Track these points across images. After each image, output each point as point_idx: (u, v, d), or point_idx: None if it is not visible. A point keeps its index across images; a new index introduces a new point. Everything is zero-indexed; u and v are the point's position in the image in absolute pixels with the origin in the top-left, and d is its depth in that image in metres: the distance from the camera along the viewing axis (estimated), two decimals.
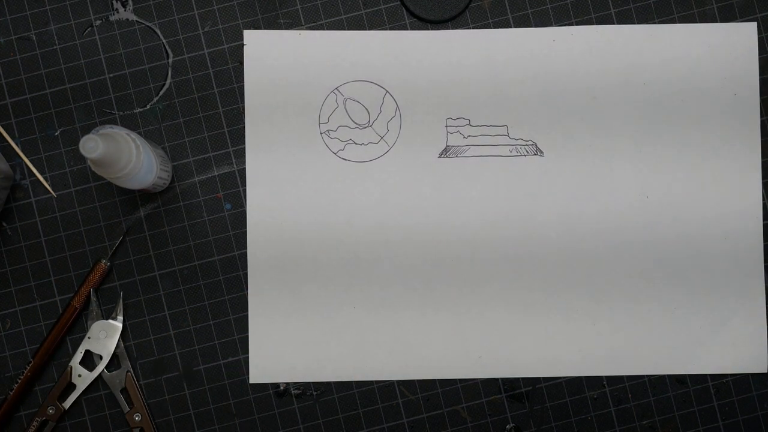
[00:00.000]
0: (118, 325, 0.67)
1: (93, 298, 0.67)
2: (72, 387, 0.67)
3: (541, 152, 0.68)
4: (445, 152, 0.68)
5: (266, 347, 0.68)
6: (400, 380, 0.68)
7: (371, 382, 0.68)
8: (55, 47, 0.68)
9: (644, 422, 0.68)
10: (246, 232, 0.68)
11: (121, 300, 0.67)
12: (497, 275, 0.68)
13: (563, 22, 0.69)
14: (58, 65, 0.68)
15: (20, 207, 0.68)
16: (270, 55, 0.68)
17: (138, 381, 0.68)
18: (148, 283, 0.68)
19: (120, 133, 0.58)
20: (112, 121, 0.68)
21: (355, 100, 0.68)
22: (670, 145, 0.68)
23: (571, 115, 0.68)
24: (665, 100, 0.68)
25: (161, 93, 0.68)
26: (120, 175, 0.58)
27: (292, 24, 0.68)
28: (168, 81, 0.68)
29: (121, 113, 0.68)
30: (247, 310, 0.68)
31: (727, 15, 0.69)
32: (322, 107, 0.68)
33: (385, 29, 0.68)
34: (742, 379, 0.68)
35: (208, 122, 0.68)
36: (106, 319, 0.67)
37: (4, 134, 0.68)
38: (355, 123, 0.68)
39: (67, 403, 0.67)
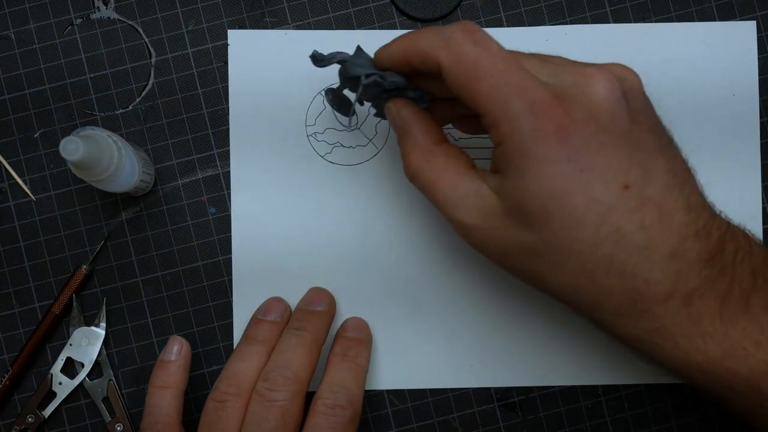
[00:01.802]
0: (100, 332, 0.67)
1: (75, 304, 0.66)
2: (52, 395, 0.67)
3: None
4: None
5: None
6: (389, 389, 0.68)
7: None
8: (34, 46, 0.68)
9: None
10: (231, 236, 0.67)
11: (104, 306, 0.67)
12: (490, 281, 0.67)
13: (557, 20, 0.68)
14: (37, 65, 0.68)
15: None
16: (255, 55, 0.68)
17: (120, 390, 0.67)
18: (130, 289, 0.67)
19: (101, 134, 0.58)
20: (93, 123, 0.68)
21: None
22: None
23: None
24: (662, 101, 0.67)
25: (143, 93, 0.68)
26: (101, 177, 0.58)
27: (278, 23, 0.68)
28: (150, 81, 0.68)
29: (103, 114, 0.68)
30: (232, 317, 0.67)
31: (725, 13, 0.68)
32: (308, 109, 0.67)
33: (374, 28, 0.68)
34: None
35: (191, 124, 0.68)
36: (89, 325, 0.67)
37: None
38: (343, 125, 0.67)
39: (47, 412, 0.66)
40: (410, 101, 0.57)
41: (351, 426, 0.60)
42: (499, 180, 0.53)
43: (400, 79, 0.57)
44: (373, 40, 0.68)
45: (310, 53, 0.58)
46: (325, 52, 0.58)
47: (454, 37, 0.52)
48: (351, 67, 0.57)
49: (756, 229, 0.68)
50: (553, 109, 0.50)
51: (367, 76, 0.56)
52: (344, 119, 0.67)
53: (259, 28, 0.68)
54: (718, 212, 0.55)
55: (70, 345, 0.67)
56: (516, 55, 0.53)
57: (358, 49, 0.58)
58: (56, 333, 0.67)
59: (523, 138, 0.50)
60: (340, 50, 0.59)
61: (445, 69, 0.52)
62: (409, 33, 0.56)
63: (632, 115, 0.52)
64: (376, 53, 0.57)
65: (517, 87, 0.50)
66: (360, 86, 0.57)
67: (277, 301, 0.65)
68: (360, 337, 0.65)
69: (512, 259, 0.55)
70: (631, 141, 0.51)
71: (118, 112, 0.68)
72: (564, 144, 0.50)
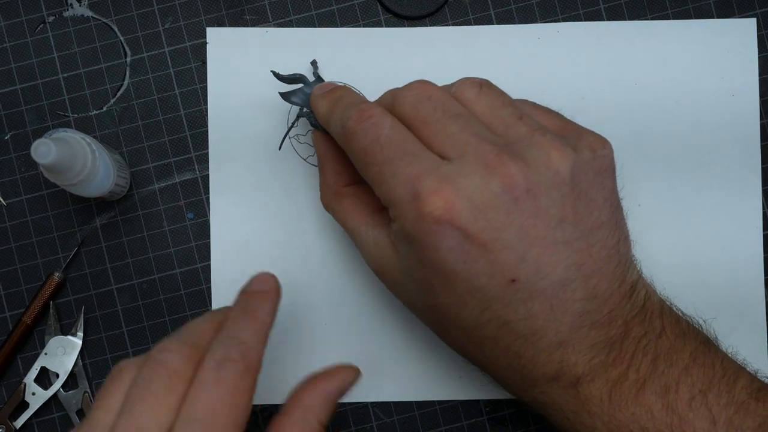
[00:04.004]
0: (77, 341, 0.66)
1: (52, 312, 0.66)
2: (25, 405, 0.66)
3: None
4: None
5: None
6: (375, 402, 0.67)
7: (343, 404, 0.66)
8: (5, 45, 0.67)
9: None
10: (209, 243, 0.67)
11: (82, 315, 0.66)
12: None
13: (549, 18, 0.68)
14: (8, 64, 0.67)
15: None
16: (235, 53, 0.67)
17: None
18: (105, 298, 0.67)
19: (74, 137, 0.57)
20: (66, 125, 0.67)
21: None
22: (663, 149, 0.67)
23: None
24: (658, 102, 0.67)
25: (118, 94, 0.67)
26: (74, 181, 0.57)
27: (258, 20, 0.67)
28: (126, 81, 0.67)
29: (76, 116, 0.67)
30: None
31: (724, 10, 0.68)
32: (290, 110, 0.67)
33: (359, 26, 0.67)
34: None
35: (168, 125, 0.67)
36: (65, 335, 0.66)
37: None
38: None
39: (19, 423, 0.65)
40: (328, 137, 0.60)
41: (243, 381, 0.48)
42: (396, 238, 0.54)
43: None
44: (357, 39, 0.67)
45: (271, 70, 0.63)
46: (305, 52, 0.59)
47: (348, 125, 0.53)
48: (288, 96, 0.62)
49: (756, 237, 0.67)
50: (434, 200, 0.49)
51: (300, 108, 0.61)
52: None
53: (238, 26, 0.67)
54: (641, 287, 0.54)
55: (45, 354, 0.66)
56: (406, 137, 0.52)
57: (317, 77, 0.63)
58: (28, 343, 0.67)
59: (407, 224, 0.51)
60: (302, 72, 0.63)
61: (346, 151, 0.55)
62: (334, 96, 0.57)
63: (537, 211, 0.50)
64: (310, 98, 0.60)
65: (401, 176, 0.51)
66: (296, 117, 0.62)
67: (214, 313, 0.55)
68: (262, 290, 0.55)
69: (412, 308, 0.57)
70: (526, 239, 0.50)
71: (92, 113, 0.67)
72: (444, 235, 0.50)
